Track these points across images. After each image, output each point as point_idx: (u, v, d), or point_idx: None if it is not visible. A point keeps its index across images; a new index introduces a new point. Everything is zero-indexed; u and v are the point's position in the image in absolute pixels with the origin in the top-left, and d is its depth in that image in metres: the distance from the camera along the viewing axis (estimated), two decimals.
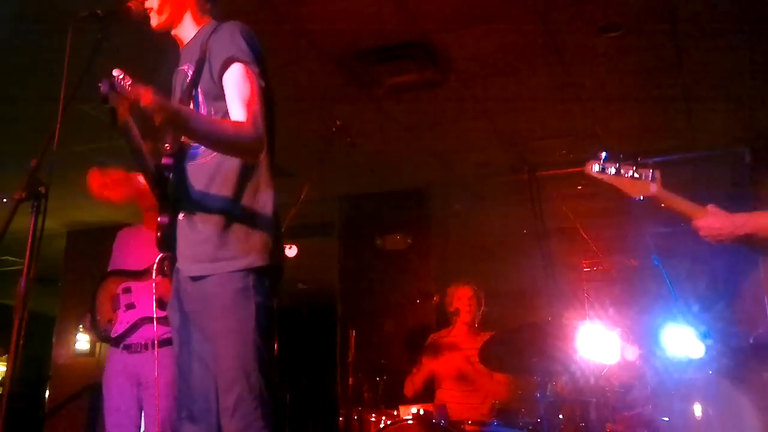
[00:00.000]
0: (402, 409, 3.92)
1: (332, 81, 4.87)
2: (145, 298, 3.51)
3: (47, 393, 8.77)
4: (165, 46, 2.37)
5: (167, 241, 2.15)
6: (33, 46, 4.34)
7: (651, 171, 2.45)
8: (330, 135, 5.23)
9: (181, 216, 2.15)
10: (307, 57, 4.55)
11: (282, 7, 4.07)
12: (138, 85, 1.77)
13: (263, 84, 2.10)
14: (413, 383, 4.57)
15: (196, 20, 2.27)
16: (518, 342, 3.79)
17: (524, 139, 5.88)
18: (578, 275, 7.68)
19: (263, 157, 2.14)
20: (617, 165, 2.47)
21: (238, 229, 2.07)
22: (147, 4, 2.20)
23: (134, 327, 3.54)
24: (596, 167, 2.49)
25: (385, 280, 6.51)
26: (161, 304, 3.45)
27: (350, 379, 4.16)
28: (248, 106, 2.02)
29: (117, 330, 3.57)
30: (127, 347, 3.55)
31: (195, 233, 2.11)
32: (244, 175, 2.11)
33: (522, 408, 4.13)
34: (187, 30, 2.27)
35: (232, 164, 2.11)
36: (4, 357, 12.96)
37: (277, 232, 2.14)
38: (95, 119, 5.01)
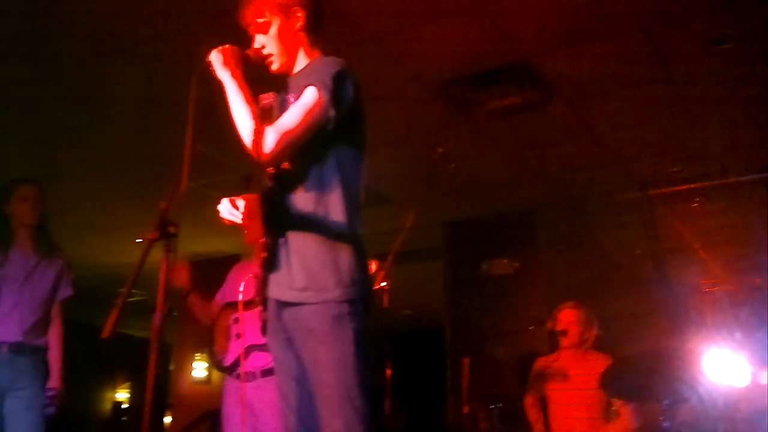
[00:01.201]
0: None
1: (433, 109, 4.91)
2: (251, 326, 3.63)
3: (168, 419, 9.10)
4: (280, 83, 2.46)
5: (269, 263, 2.18)
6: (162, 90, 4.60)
7: None
8: (432, 162, 5.27)
9: (280, 242, 2.17)
10: (407, 86, 4.61)
11: (381, 41, 4.15)
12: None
13: (331, 114, 2.09)
14: (528, 413, 4.47)
15: (308, 54, 2.33)
16: (641, 368, 3.64)
17: (634, 157, 5.71)
18: (699, 297, 7.33)
19: (349, 186, 2.18)
20: None
21: (333, 259, 2.10)
22: (266, 51, 2.27)
23: (244, 355, 3.66)
24: None
25: (493, 305, 6.43)
26: (264, 331, 3.64)
27: (465, 408, 4.12)
28: (286, 117, 2.08)
29: (229, 359, 3.73)
30: (239, 376, 3.68)
31: (292, 261, 2.13)
32: (343, 209, 2.14)
33: None
34: (299, 63, 2.33)
35: (334, 197, 2.14)
36: (126, 384, 13.59)
37: (365, 261, 2.17)
38: (206, 156, 5.26)
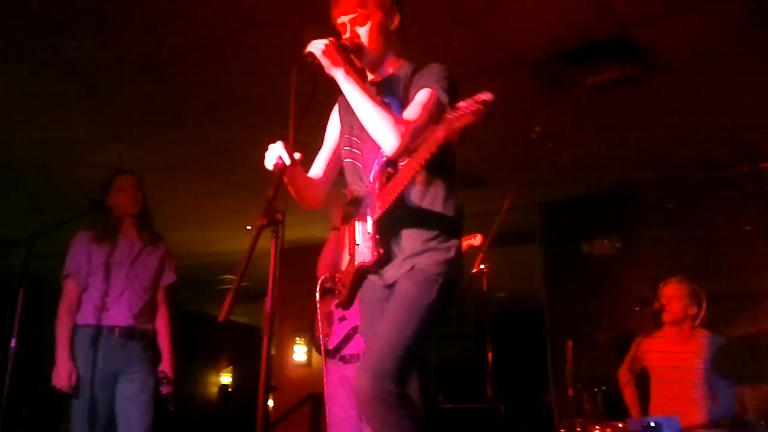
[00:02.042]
0: (630, 421, 3.75)
1: (528, 87, 4.82)
2: (354, 309, 3.72)
3: (271, 403, 9.36)
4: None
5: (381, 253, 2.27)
6: (254, 80, 4.71)
7: None
8: (529, 142, 5.18)
9: (392, 235, 2.27)
10: (501, 65, 4.55)
11: (473, 20, 4.10)
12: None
13: (445, 100, 2.18)
14: (623, 391, 4.35)
15: (395, 57, 2.42)
16: (757, 349, 3.48)
17: (743, 129, 5.43)
18: None
19: (454, 177, 2.32)
20: None
21: (438, 248, 2.22)
22: (359, 40, 2.32)
23: (347, 338, 3.76)
24: None
25: (595, 286, 6.28)
26: None
27: (569, 390, 4.05)
28: (412, 111, 2.17)
29: (333, 342, 3.80)
30: (343, 358, 3.76)
31: (401, 253, 2.24)
32: (446, 206, 2.27)
33: (762, 419, 3.78)
34: (385, 66, 2.41)
35: (436, 195, 2.27)
36: (229, 369, 14.06)
37: (460, 263, 2.28)
38: (300, 143, 5.35)
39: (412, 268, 2.19)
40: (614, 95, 4.91)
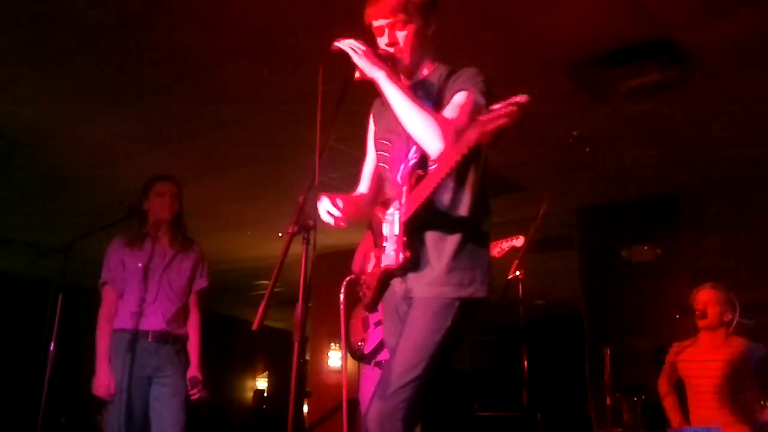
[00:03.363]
0: (669, 431, 3.66)
1: (565, 91, 4.76)
2: None
3: (306, 408, 9.38)
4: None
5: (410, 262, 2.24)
6: (284, 84, 4.72)
7: None
8: (567, 146, 5.10)
9: (419, 239, 2.23)
10: (537, 69, 4.50)
11: (508, 24, 4.06)
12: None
13: (481, 102, 2.17)
14: (663, 402, 4.26)
15: (432, 61, 2.40)
16: None
17: None
18: None
19: (485, 186, 2.29)
20: None
21: (466, 261, 2.19)
22: (397, 48, 2.29)
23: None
24: None
25: (635, 293, 6.18)
26: None
27: (608, 399, 3.97)
28: (452, 111, 2.15)
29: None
30: (378, 363, 3.74)
31: (429, 259, 2.20)
32: (475, 213, 2.23)
33: None
34: (423, 69, 2.40)
35: (465, 199, 2.23)
36: (265, 374, 14.14)
37: (487, 272, 2.25)
38: (333, 149, 5.35)
39: (433, 294, 2.18)
40: (654, 98, 4.81)
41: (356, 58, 2.14)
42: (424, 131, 2.08)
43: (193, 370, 3.81)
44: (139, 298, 3.72)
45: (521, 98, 1.84)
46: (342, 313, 2.45)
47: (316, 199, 2.25)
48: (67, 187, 6.91)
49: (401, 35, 2.29)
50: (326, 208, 2.27)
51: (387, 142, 2.38)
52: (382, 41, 2.30)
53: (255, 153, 6.03)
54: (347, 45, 2.17)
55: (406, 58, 2.31)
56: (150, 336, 3.69)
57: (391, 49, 2.28)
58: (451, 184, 2.21)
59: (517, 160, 5.63)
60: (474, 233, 2.22)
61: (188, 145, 5.88)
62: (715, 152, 5.70)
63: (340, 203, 2.28)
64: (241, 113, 5.26)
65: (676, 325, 4.60)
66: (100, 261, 3.87)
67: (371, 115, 2.56)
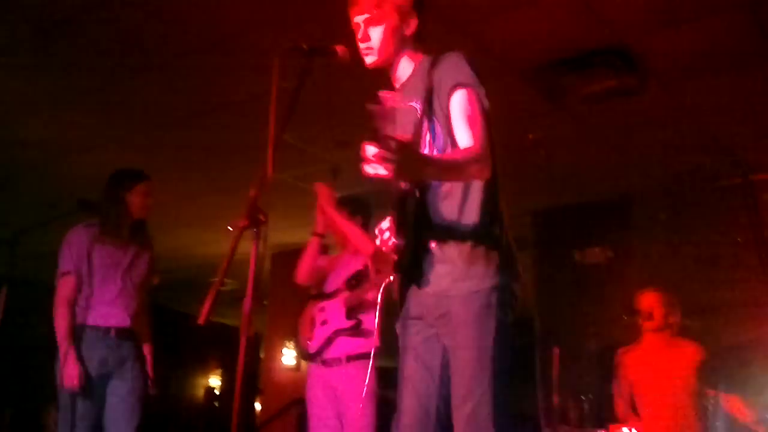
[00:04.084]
0: (613, 429, 3.74)
1: (523, 95, 4.82)
2: (336, 313, 3.83)
3: (258, 406, 9.34)
4: (369, 81, 2.44)
5: (401, 264, 2.20)
6: (241, 79, 4.69)
7: None
8: (522, 149, 5.17)
9: (429, 241, 2.20)
10: (495, 73, 4.53)
11: (469, 27, 4.09)
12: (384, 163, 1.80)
13: (487, 105, 2.14)
14: (619, 407, 4.35)
15: (412, 58, 2.33)
16: (743, 359, 3.47)
17: (736, 141, 5.45)
18: None
19: (497, 179, 2.19)
20: None
21: (483, 251, 2.12)
22: (369, 44, 2.26)
23: (328, 341, 3.82)
24: None
25: (586, 295, 6.27)
26: (349, 316, 3.76)
27: (555, 398, 4.04)
28: (473, 128, 2.07)
29: (314, 346, 3.85)
30: (324, 362, 3.79)
31: (443, 257, 2.16)
32: (487, 202, 2.16)
33: (748, 430, 3.77)
34: (403, 67, 2.33)
35: (477, 192, 2.16)
36: (218, 371, 14.00)
37: (511, 249, 2.20)
38: (295, 148, 5.33)
39: (461, 290, 2.13)
40: (610, 105, 4.90)
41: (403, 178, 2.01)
42: (471, 173, 2.06)
43: (149, 367, 3.83)
44: (103, 293, 3.70)
45: None
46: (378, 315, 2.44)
47: (267, 193, 2.20)
48: (18, 180, 6.76)
49: (375, 32, 2.25)
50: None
51: None
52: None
53: (213, 149, 5.98)
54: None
55: (375, 55, 2.27)
56: (113, 332, 3.68)
57: (364, 45, 2.26)
58: (455, 191, 2.17)
59: None
60: (485, 237, 2.14)
61: (144, 140, 5.80)
62: (667, 158, 5.82)
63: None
64: (200, 109, 5.21)
65: (624, 326, 4.69)
66: (48, 254, 3.80)
67: None
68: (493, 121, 2.18)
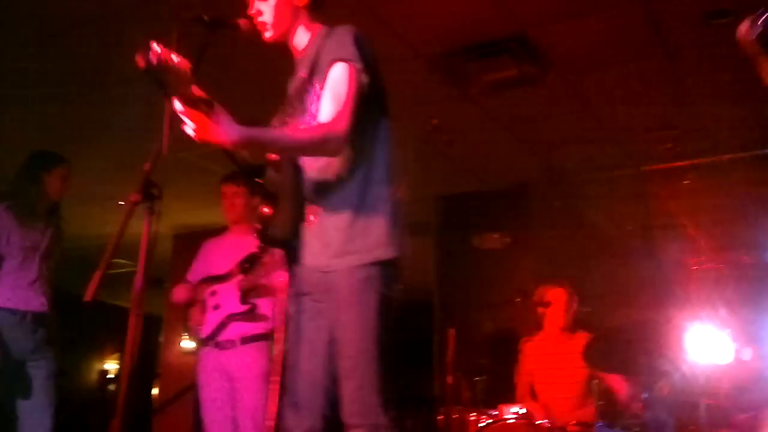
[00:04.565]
0: (503, 408, 3.87)
1: (427, 80, 4.86)
2: (229, 297, 3.77)
3: (156, 390, 9.13)
4: (273, 54, 2.41)
5: (266, 233, 2.19)
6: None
7: None
8: (426, 134, 5.23)
9: (308, 214, 2.19)
10: (401, 57, 4.55)
11: (376, 10, 4.09)
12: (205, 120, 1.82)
13: (365, 80, 2.12)
14: (520, 391, 4.51)
15: (309, 28, 2.30)
16: (624, 341, 3.65)
17: (628, 133, 5.69)
18: (687, 274, 7.37)
19: (381, 151, 2.18)
20: None
21: (362, 224, 2.12)
22: (261, 18, 2.23)
23: (222, 326, 3.79)
24: (754, 31, 1.75)
25: (483, 279, 6.43)
26: (244, 300, 3.73)
27: (449, 379, 4.14)
28: (335, 104, 2.06)
29: (206, 331, 3.80)
30: (218, 344, 3.76)
31: (321, 228, 2.16)
32: (367, 172, 2.16)
33: (628, 409, 3.98)
34: (300, 39, 2.31)
35: (361, 166, 2.16)
36: (116, 355, 13.61)
37: (398, 223, 2.17)
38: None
39: (340, 265, 2.13)
40: (511, 94, 4.99)
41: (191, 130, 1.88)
42: (321, 152, 2.07)
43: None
44: (20, 276, 3.65)
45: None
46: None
47: (163, 169, 2.14)
48: None
49: (264, 6, 2.22)
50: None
51: (289, 119, 2.30)
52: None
53: (109, 123, 5.75)
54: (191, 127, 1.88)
55: (270, 30, 2.24)
56: (30, 317, 3.63)
57: (257, 20, 2.23)
58: (338, 164, 2.15)
59: None
60: (371, 200, 2.14)
61: (37, 115, 5.52)
62: (563, 148, 6.01)
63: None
64: (97, 81, 5.00)
65: (517, 309, 4.86)
66: None
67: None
68: (397, 103, 2.20)
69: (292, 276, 2.24)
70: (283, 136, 2.09)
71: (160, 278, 8.66)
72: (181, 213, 7.29)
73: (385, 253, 2.10)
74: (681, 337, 3.92)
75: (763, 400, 4.34)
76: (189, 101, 1.81)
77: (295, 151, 2.10)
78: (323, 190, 2.16)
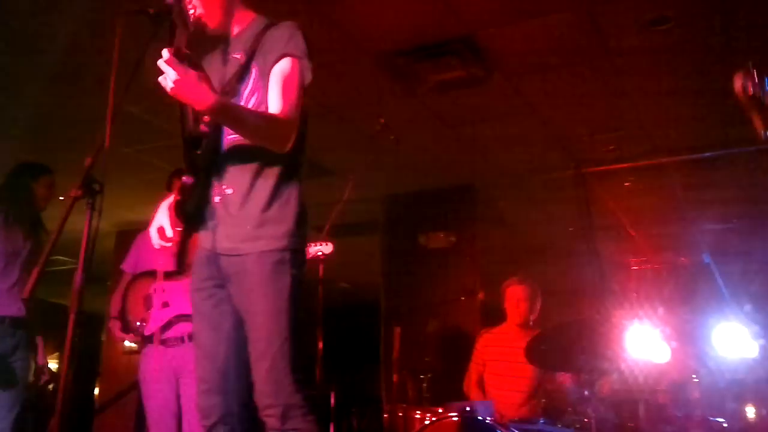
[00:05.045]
0: (448, 405, 3.90)
1: (375, 79, 4.86)
2: (179, 297, 3.68)
3: (97, 389, 8.95)
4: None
5: (184, 205, 2.20)
6: (79, 46, 4.42)
7: None
8: (374, 133, 5.25)
9: (220, 190, 2.20)
10: (350, 56, 4.56)
11: (325, 7, 4.08)
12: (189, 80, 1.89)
13: (310, 79, 2.19)
14: (468, 381, 4.56)
15: (243, 14, 2.34)
16: (566, 340, 3.73)
17: (571, 135, 5.80)
18: (627, 274, 7.57)
19: (300, 147, 2.23)
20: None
21: (276, 212, 2.16)
22: (198, 12, 2.23)
23: (169, 324, 3.71)
24: (749, 86, 1.85)
25: (429, 278, 6.49)
26: None
27: (395, 377, 4.16)
28: (286, 97, 2.12)
29: (151, 328, 3.72)
30: (163, 342, 3.70)
31: (235, 211, 2.17)
32: (288, 162, 2.20)
33: (569, 407, 4.07)
34: (237, 23, 2.34)
35: (278, 155, 2.18)
36: (56, 354, 13.27)
37: (305, 219, 2.24)
38: (141, 120, 5.11)
39: (249, 249, 2.14)
40: (457, 94, 5.05)
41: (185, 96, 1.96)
42: (273, 140, 2.10)
43: (39, 357, 4.00)
44: (1, 281, 3.74)
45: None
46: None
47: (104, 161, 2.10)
48: None
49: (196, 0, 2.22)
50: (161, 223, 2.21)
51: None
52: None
53: (50, 119, 5.61)
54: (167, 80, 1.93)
55: (208, 20, 2.25)
56: (7, 321, 3.72)
57: (191, 9, 2.20)
58: (258, 149, 2.16)
59: (326, 143, 5.70)
60: (286, 184, 2.20)
61: None
62: (507, 148, 6.09)
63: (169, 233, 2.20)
64: (36, 75, 4.86)
65: (461, 308, 4.93)
66: None
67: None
68: (345, 102, 2.22)
69: (203, 257, 2.26)
70: (251, 115, 2.11)
71: (102, 276, 8.50)
72: (124, 209, 7.15)
73: (295, 243, 2.16)
74: (621, 335, 4.01)
75: (696, 398, 4.49)
76: (180, 54, 1.89)
77: (254, 131, 2.10)
78: (242, 174, 2.18)
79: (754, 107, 1.84)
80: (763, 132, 1.84)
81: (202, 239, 2.25)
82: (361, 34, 4.36)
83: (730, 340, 4.81)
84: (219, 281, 2.21)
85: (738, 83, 1.83)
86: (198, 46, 2.23)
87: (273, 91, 2.13)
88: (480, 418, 3.60)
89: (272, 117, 2.10)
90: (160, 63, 1.89)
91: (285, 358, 2.05)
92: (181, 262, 2.32)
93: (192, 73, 1.91)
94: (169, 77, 1.89)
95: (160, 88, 1.94)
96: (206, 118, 2.15)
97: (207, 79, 1.97)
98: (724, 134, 5.73)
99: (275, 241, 2.12)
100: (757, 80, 1.83)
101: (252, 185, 2.16)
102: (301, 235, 2.18)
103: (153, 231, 2.23)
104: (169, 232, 2.19)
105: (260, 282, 2.10)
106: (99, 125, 1.93)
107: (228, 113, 2.04)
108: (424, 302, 5.89)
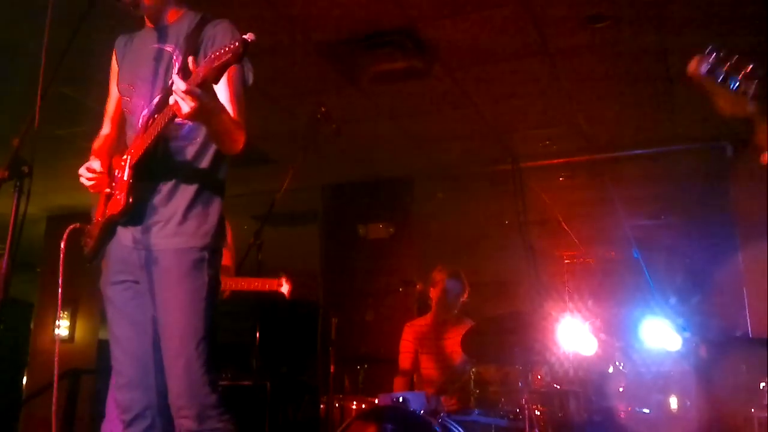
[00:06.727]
0: (381, 396, 3.93)
1: (317, 68, 4.84)
2: None
3: (25, 379, 8.70)
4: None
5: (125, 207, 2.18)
6: (11, 23, 4.27)
7: (755, 85, 1.89)
8: (314, 122, 5.23)
9: (146, 186, 2.19)
10: (292, 44, 4.52)
11: None
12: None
13: (250, 81, 2.28)
14: (399, 372, 4.59)
15: (176, 9, 2.36)
16: (500, 331, 3.78)
17: (508, 129, 5.89)
18: (559, 267, 7.75)
19: (226, 161, 2.30)
20: (725, 71, 1.93)
21: (199, 211, 2.19)
22: None
23: None
24: (704, 67, 1.94)
25: (367, 268, 6.51)
26: None
27: (331, 368, 4.17)
28: (238, 104, 2.19)
29: None
30: None
31: (162, 208, 2.17)
32: (216, 165, 2.25)
33: (502, 397, 4.14)
34: (166, 16, 2.34)
35: (210, 152, 2.24)
36: None
37: (224, 228, 2.29)
38: (76, 102, 4.97)
39: (169, 245, 2.14)
40: (398, 86, 5.07)
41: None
42: (232, 144, 2.14)
43: None
44: None
45: (248, 36, 1.82)
46: (61, 264, 2.26)
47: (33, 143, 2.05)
48: None
49: None
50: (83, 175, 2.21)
51: (131, 87, 2.31)
52: None
53: None
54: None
55: (146, 4, 2.26)
56: None
57: None
58: (198, 138, 2.21)
59: (267, 131, 5.65)
60: (212, 185, 2.24)
61: None
62: (447, 141, 6.16)
63: (97, 166, 2.19)
64: None
65: (399, 298, 4.94)
66: None
67: (114, 54, 2.45)
68: (287, 91, 2.23)
69: (117, 252, 2.24)
70: (228, 118, 2.10)
71: (32, 262, 8.24)
72: (55, 194, 6.95)
73: (215, 242, 2.19)
74: (553, 328, 4.10)
75: (622, 390, 4.63)
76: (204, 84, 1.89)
77: (224, 134, 2.11)
78: (171, 170, 2.19)
79: (710, 86, 1.95)
80: (726, 113, 1.93)
81: (121, 234, 2.23)
82: (304, 23, 4.33)
83: (655, 333, 4.97)
84: (136, 276, 2.20)
85: (692, 65, 1.96)
86: (126, 19, 2.21)
87: (222, 96, 2.13)
88: (413, 408, 3.64)
89: (237, 120, 2.14)
90: (176, 91, 1.87)
91: (200, 358, 2.05)
92: (94, 254, 2.30)
93: (205, 98, 1.89)
94: (186, 104, 1.88)
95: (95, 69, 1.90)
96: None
97: (214, 97, 1.98)
98: (655, 133, 5.91)
99: (195, 239, 2.14)
100: (711, 60, 1.95)
101: (177, 185, 2.18)
102: (221, 237, 2.21)
103: (82, 170, 2.23)
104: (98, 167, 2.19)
105: (178, 280, 2.11)
106: (29, 105, 1.88)
107: (215, 115, 2.03)
108: (362, 292, 5.90)
